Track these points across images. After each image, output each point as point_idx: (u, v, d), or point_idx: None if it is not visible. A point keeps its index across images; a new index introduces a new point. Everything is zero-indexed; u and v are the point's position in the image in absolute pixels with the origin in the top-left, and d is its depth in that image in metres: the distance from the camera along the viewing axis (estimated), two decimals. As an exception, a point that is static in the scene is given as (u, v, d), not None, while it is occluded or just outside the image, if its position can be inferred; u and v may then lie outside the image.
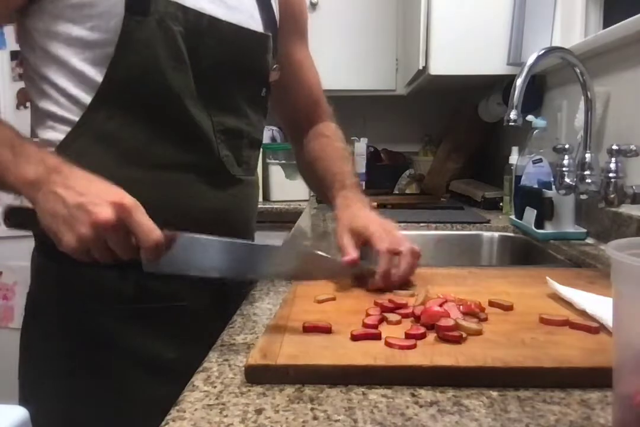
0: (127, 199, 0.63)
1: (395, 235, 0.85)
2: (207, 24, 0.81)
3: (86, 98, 0.78)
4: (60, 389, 0.82)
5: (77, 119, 0.78)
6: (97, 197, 0.62)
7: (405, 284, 0.82)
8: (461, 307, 0.67)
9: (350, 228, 0.87)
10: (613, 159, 1.01)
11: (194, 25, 0.80)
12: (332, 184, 0.98)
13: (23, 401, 0.87)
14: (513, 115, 1.04)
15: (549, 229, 1.30)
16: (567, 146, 1.16)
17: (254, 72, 0.91)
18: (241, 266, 0.68)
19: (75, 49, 0.77)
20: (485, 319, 0.67)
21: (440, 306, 0.67)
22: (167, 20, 0.77)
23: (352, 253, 0.81)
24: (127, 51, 0.76)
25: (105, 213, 0.61)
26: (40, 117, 0.81)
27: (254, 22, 0.89)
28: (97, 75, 0.77)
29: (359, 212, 0.91)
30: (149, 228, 0.62)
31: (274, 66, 0.95)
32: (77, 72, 0.78)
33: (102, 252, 0.64)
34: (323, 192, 1.03)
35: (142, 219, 0.62)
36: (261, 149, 2.42)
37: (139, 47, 0.76)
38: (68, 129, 0.79)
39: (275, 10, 0.95)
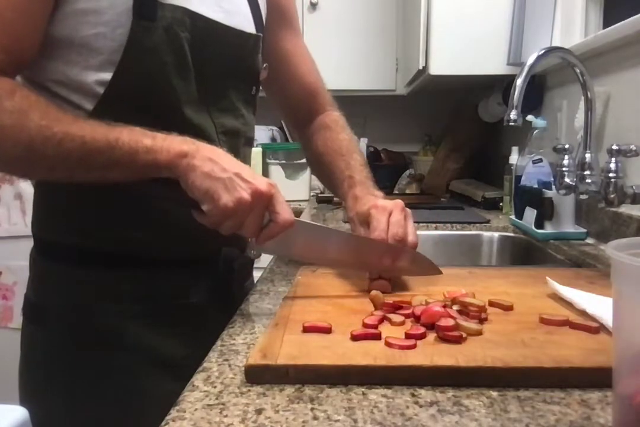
0: (273, 182, 0.71)
1: (395, 222, 0.82)
2: (211, 29, 0.82)
3: (88, 105, 0.77)
4: (64, 389, 0.82)
5: None
6: (251, 172, 0.71)
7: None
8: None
9: (356, 214, 0.88)
10: (613, 159, 1.01)
11: (200, 30, 0.80)
12: (341, 182, 0.95)
13: (25, 403, 0.87)
14: (513, 115, 1.04)
15: (549, 229, 1.30)
16: (567, 146, 1.16)
17: (248, 73, 0.91)
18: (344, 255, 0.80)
19: (78, 57, 0.76)
20: (486, 319, 0.67)
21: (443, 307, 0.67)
22: (174, 26, 0.77)
23: None
24: (133, 57, 0.76)
25: (264, 186, 0.70)
26: None
27: (248, 24, 0.89)
28: (99, 85, 0.76)
29: (365, 200, 0.89)
30: (288, 207, 0.72)
31: (264, 65, 0.95)
32: (77, 82, 0.77)
33: (238, 223, 0.70)
34: (333, 188, 1.02)
35: (283, 200, 0.72)
36: (261, 149, 2.41)
37: (145, 54, 0.76)
38: None
39: (262, 8, 0.95)
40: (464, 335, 0.60)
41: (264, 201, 0.70)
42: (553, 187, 1.27)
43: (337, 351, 0.57)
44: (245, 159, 0.95)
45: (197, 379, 0.55)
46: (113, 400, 0.81)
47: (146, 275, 0.83)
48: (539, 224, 1.31)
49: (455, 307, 0.68)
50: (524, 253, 1.43)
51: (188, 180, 0.70)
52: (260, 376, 0.54)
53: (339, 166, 0.97)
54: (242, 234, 0.73)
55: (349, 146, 1.01)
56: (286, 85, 1.05)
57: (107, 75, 0.76)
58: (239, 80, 0.89)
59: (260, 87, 0.98)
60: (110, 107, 0.77)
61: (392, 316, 0.67)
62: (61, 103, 0.77)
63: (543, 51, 1.08)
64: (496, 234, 1.54)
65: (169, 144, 0.71)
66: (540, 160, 1.41)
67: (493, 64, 1.79)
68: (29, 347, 0.86)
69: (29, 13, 0.72)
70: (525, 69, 1.05)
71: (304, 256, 0.81)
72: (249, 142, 0.95)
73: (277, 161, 2.35)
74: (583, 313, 0.68)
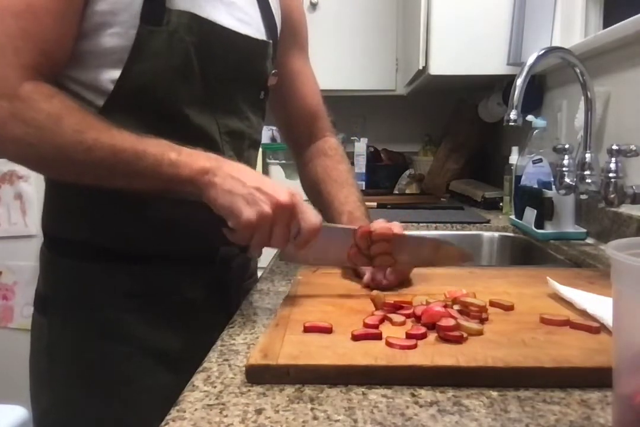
0: (294, 191, 0.72)
1: (395, 224, 0.86)
2: (218, 34, 0.82)
3: (100, 101, 0.78)
4: (65, 377, 0.84)
5: None
6: (271, 185, 0.72)
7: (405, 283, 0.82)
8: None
9: None
10: (613, 159, 1.01)
11: (207, 35, 0.81)
12: (339, 214, 0.96)
13: (34, 397, 0.89)
14: (513, 115, 1.04)
15: (549, 229, 1.30)
16: (567, 146, 1.16)
17: (255, 77, 0.92)
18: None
19: (93, 55, 0.77)
20: (486, 319, 0.67)
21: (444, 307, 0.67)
22: (180, 31, 0.78)
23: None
24: (137, 60, 0.77)
25: (285, 197, 0.71)
26: None
27: (259, 33, 0.90)
28: (111, 83, 0.78)
29: None
30: (313, 213, 0.74)
31: (273, 71, 0.96)
32: (91, 80, 0.78)
33: (265, 236, 0.72)
34: (329, 218, 1.01)
35: (307, 207, 0.74)
36: (261, 149, 2.41)
37: (149, 56, 0.77)
38: None
39: (276, 18, 0.96)
40: (465, 335, 0.60)
41: (286, 212, 0.71)
42: (553, 187, 1.27)
43: (338, 351, 0.57)
44: (250, 161, 0.95)
45: (197, 379, 0.55)
46: (110, 390, 0.83)
47: (144, 271, 0.84)
48: (539, 224, 1.31)
49: (456, 307, 0.68)
50: (524, 253, 1.43)
51: (210, 197, 0.72)
52: (260, 375, 0.54)
53: (339, 198, 0.99)
54: (272, 246, 0.74)
55: (348, 178, 1.03)
56: (288, 103, 1.06)
57: (118, 74, 0.77)
58: (246, 83, 0.90)
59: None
60: (117, 104, 0.78)
61: (392, 315, 0.67)
62: (73, 99, 0.78)
63: (543, 51, 1.08)
64: (496, 234, 1.54)
65: (193, 160, 0.72)
66: (540, 160, 1.41)
67: (493, 64, 1.79)
68: (35, 336, 0.88)
69: (64, 17, 0.74)
70: (525, 69, 1.05)
71: (329, 261, 0.82)
72: (255, 144, 0.96)
73: (277, 161, 2.35)
74: (583, 313, 0.68)
